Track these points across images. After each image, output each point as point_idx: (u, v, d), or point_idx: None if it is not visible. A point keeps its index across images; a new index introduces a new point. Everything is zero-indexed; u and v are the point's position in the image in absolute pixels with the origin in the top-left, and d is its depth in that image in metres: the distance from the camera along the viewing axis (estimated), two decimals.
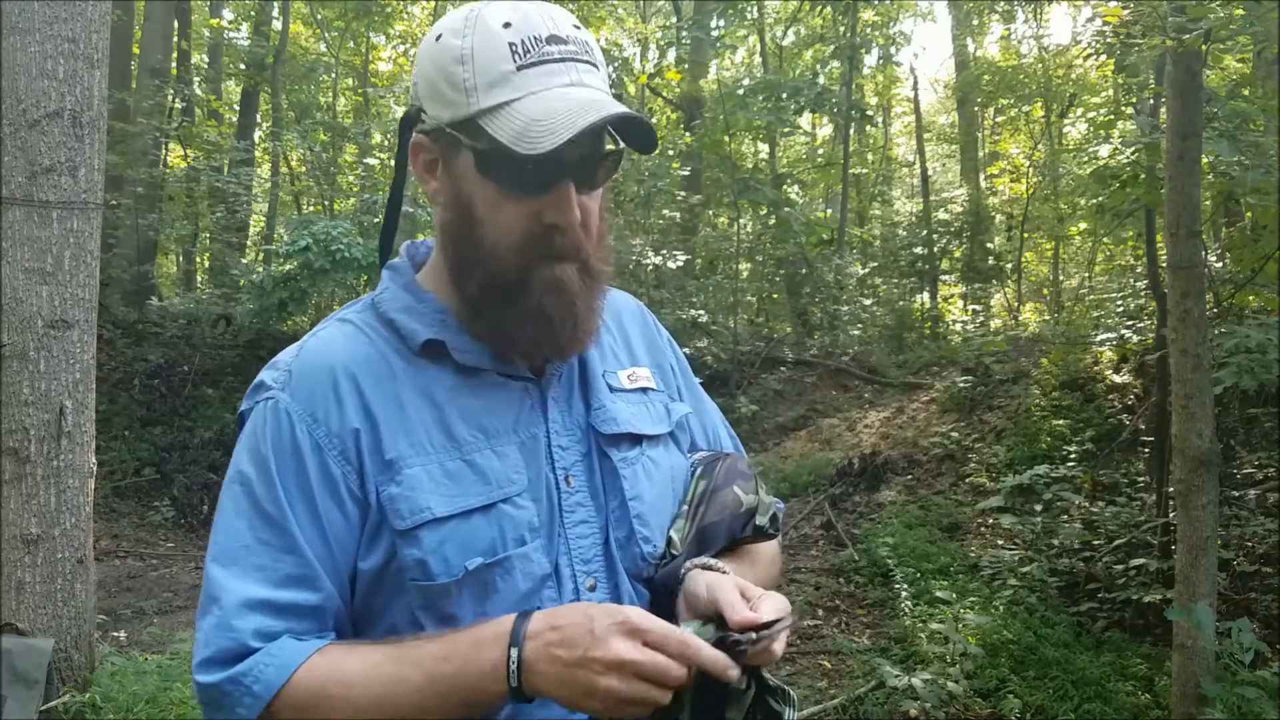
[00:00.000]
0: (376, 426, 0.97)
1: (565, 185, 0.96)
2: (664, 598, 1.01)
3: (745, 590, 0.93)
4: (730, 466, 1.13)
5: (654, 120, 13.85)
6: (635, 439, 1.08)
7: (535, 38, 0.95)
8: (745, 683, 0.91)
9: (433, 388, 1.00)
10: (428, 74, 0.98)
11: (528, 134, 0.91)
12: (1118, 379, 7.70)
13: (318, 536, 0.95)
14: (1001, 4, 14.47)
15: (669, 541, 1.06)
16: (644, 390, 1.15)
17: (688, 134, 12.15)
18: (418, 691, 0.89)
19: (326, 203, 13.93)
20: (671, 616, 0.96)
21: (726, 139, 11.30)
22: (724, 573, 1.00)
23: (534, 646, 0.87)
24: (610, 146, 1.01)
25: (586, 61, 0.97)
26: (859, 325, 11.80)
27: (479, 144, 0.96)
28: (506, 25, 0.94)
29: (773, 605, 0.91)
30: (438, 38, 0.98)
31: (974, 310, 12.32)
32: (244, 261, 12.78)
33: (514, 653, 0.87)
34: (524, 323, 0.98)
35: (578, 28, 0.99)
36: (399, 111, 16.48)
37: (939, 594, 5.12)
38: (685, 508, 1.09)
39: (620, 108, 0.94)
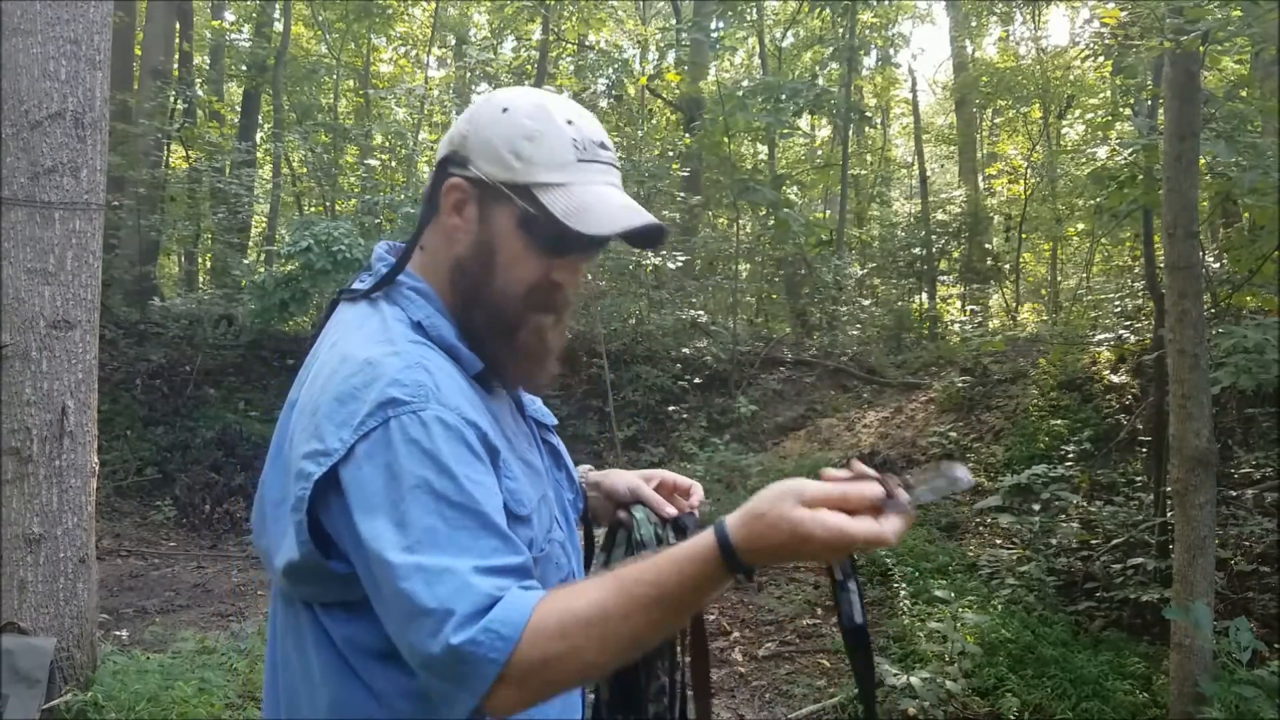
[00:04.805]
0: (488, 428, 1.13)
1: (582, 257, 1.23)
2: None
3: (662, 483, 1.44)
4: None
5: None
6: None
7: (591, 140, 1.19)
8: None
9: (485, 403, 1.19)
10: (486, 136, 1.17)
11: (579, 215, 1.14)
12: (1115, 379, 7.71)
13: (501, 514, 1.07)
14: (1000, 5, 14.48)
15: None
16: None
17: (687, 135, 12.15)
18: (653, 589, 0.99)
19: (328, 204, 13.94)
20: (588, 525, 1.43)
21: (726, 140, 11.30)
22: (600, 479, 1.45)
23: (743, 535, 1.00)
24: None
25: (617, 168, 1.24)
26: (858, 325, 11.80)
27: (528, 206, 1.15)
28: (569, 122, 1.17)
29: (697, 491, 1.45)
30: (504, 110, 1.17)
31: (972, 311, 12.31)
32: (246, 262, 12.77)
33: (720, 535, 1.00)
34: (517, 357, 1.22)
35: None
36: (400, 113, 16.55)
37: (937, 593, 5.13)
38: None
39: (652, 217, 1.20)
